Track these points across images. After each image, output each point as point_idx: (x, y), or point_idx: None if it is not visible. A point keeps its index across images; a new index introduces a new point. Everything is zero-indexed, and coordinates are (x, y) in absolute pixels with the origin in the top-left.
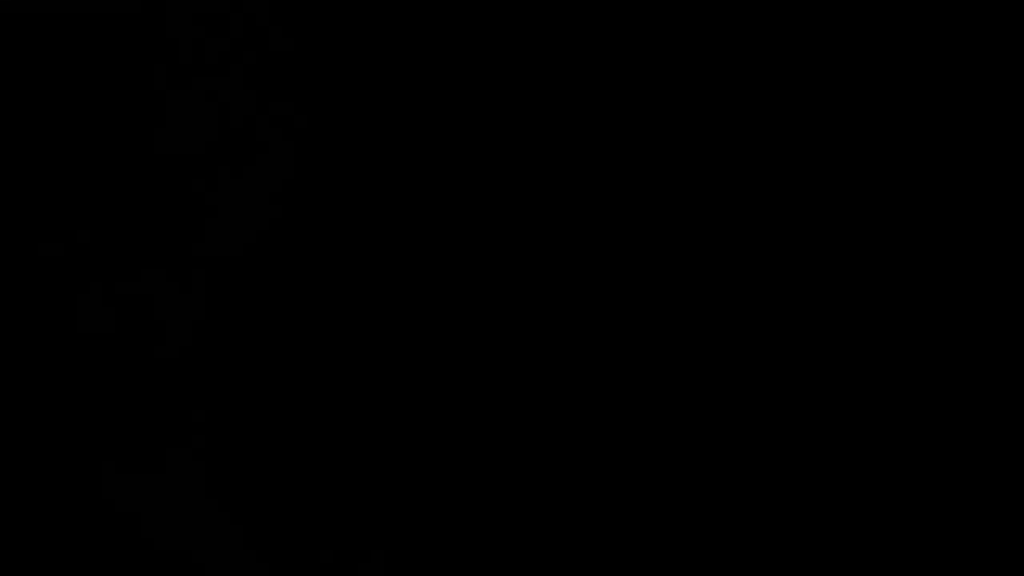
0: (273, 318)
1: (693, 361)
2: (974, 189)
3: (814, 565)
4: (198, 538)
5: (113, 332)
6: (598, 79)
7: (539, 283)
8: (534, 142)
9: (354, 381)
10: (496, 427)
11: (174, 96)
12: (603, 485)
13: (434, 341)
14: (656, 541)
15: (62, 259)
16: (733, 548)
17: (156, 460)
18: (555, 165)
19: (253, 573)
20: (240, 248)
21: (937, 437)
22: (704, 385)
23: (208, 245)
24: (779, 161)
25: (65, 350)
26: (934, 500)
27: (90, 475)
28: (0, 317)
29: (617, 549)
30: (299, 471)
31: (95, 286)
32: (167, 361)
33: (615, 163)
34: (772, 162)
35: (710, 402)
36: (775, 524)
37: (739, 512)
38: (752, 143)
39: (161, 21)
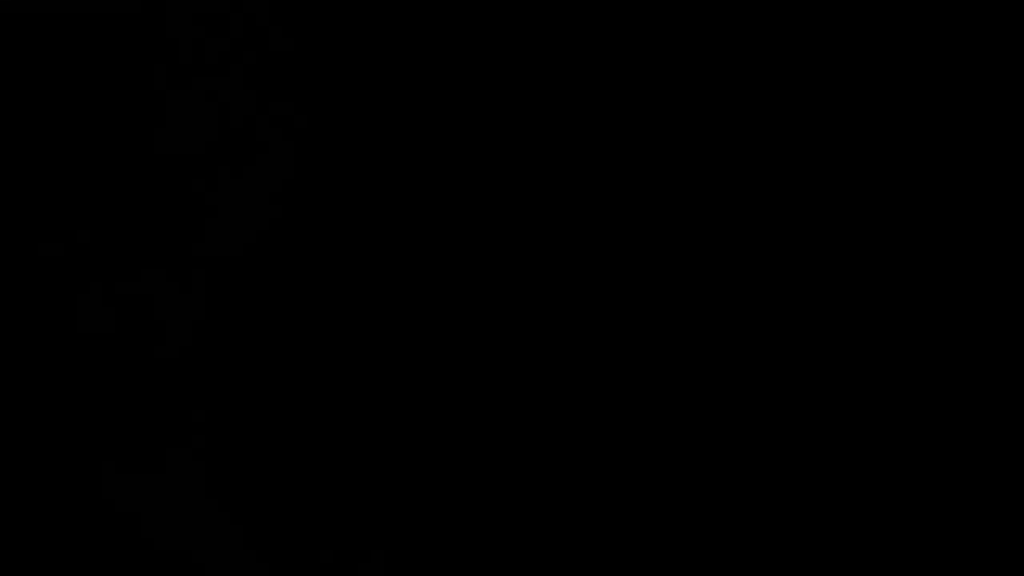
0: (273, 318)
1: (693, 361)
2: (974, 189)
3: (814, 565)
4: (198, 538)
5: (113, 332)
6: (598, 79)
7: (539, 283)
8: (534, 142)
9: (354, 381)
10: (495, 427)
11: (174, 96)
12: (603, 485)
13: (434, 341)
14: (656, 541)
15: (62, 259)
16: (733, 548)
17: (156, 460)
18: (555, 165)
19: (253, 573)
20: (240, 248)
21: (937, 437)
22: (704, 385)
23: (208, 245)
24: (779, 161)
25: (65, 350)
26: (934, 500)
27: (90, 475)
28: (0, 317)
29: (617, 549)
30: (299, 471)
31: (95, 286)
32: (167, 361)
33: (615, 163)
34: (772, 162)
35: (710, 402)
36: (775, 524)
37: (739, 512)
38: (752, 143)
39: (161, 21)
